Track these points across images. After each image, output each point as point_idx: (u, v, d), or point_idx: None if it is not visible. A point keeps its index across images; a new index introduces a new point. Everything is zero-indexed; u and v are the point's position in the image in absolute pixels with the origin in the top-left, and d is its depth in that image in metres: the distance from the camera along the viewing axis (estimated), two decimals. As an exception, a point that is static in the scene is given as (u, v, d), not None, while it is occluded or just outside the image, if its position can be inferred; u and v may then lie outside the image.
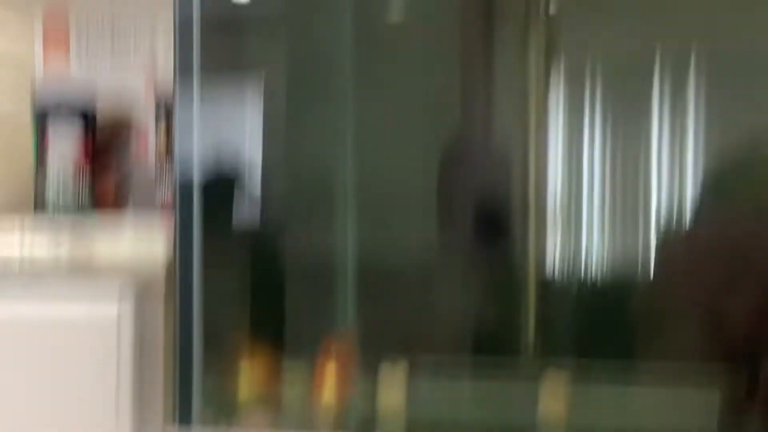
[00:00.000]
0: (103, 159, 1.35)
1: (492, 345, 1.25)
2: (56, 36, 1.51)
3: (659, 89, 1.20)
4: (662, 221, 1.22)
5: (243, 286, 1.17)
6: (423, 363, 1.21)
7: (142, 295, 1.07)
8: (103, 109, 1.38)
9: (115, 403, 1.03)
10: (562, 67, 1.22)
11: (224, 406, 0.98)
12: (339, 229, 1.25)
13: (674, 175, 1.20)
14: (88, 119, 1.35)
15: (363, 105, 1.22)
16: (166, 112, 1.31)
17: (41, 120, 1.34)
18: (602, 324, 1.20)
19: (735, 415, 1.04)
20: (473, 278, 1.28)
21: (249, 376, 1.04)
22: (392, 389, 1.19)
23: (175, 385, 0.94)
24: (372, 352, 1.13)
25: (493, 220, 1.26)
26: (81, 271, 1.08)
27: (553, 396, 1.16)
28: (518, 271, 1.24)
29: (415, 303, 1.26)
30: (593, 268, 1.24)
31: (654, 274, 1.23)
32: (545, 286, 1.23)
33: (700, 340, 1.19)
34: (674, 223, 1.23)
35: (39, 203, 1.31)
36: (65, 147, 1.33)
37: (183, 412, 0.92)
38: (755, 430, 1.02)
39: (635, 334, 1.20)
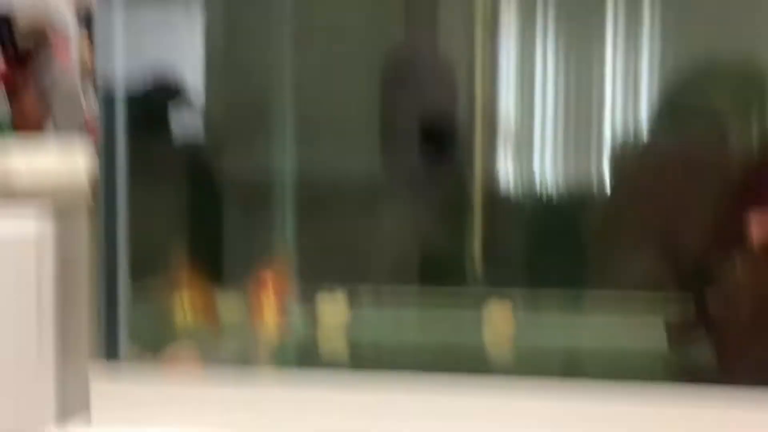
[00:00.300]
0: (23, 72, 1.27)
1: (436, 272, 1.22)
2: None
3: (613, 3, 1.15)
4: (616, 141, 1.18)
5: (174, 208, 1.11)
6: (362, 291, 1.17)
7: (64, 215, 1.00)
8: (22, 20, 1.29)
9: (37, 336, 0.96)
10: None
11: (153, 340, 0.92)
12: (277, 148, 1.19)
13: (628, 92, 1.16)
14: (6, 30, 1.26)
15: (304, 16, 1.16)
16: (88, 21, 1.23)
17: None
18: (551, 249, 1.17)
19: (681, 342, 1.01)
20: (417, 201, 1.23)
21: (180, 306, 0.99)
22: (333, 317, 1.15)
23: (100, 317, 0.88)
24: (310, 280, 1.08)
25: (438, 139, 1.21)
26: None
27: (499, 322, 1.13)
28: (465, 193, 1.19)
29: (355, 227, 1.21)
30: (543, 190, 1.20)
31: (605, 197, 1.20)
32: (493, 209, 1.19)
33: (650, 266, 1.17)
34: (628, 142, 1.20)
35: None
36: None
37: (109, 347, 0.87)
38: (701, 357, 1.00)
39: (584, 261, 1.17)
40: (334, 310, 1.14)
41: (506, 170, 1.21)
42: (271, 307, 0.98)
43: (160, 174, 1.07)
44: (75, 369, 0.99)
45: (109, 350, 0.86)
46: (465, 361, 1.01)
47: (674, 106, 1.17)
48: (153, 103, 1.13)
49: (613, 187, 1.20)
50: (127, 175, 0.94)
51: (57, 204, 0.99)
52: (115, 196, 0.92)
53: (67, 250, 0.99)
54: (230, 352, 0.99)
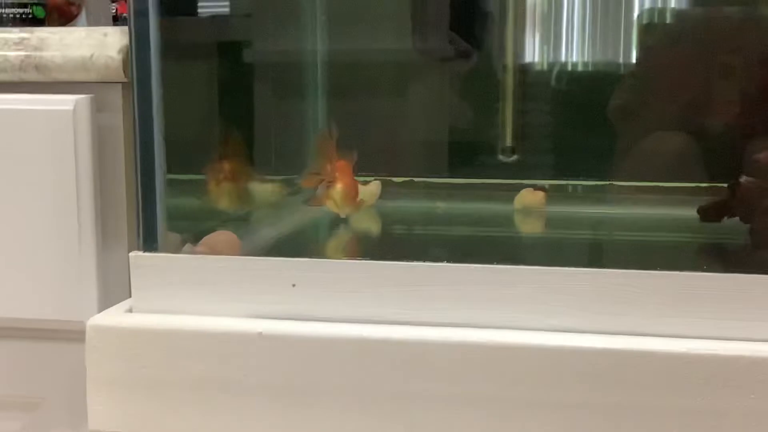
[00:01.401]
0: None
1: (467, 163, 1.22)
2: None
3: None
4: (645, 22, 1.17)
5: (210, 94, 1.11)
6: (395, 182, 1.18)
7: (99, 91, 1.00)
8: None
9: (77, 221, 0.97)
10: None
11: (193, 229, 0.93)
12: (308, 34, 1.19)
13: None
14: None
15: None
16: None
17: None
18: (583, 140, 1.17)
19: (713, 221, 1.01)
20: (447, 87, 1.23)
21: (219, 194, 0.99)
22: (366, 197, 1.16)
23: (137, 206, 0.89)
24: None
25: (469, 22, 1.20)
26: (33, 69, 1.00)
27: (530, 213, 1.14)
28: (496, 81, 1.19)
29: (387, 115, 1.21)
30: (575, 79, 1.19)
31: (637, 84, 1.19)
32: (524, 98, 1.19)
33: (682, 155, 1.17)
34: (657, 24, 1.18)
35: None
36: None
37: (148, 237, 0.88)
38: (733, 246, 1.01)
39: (617, 151, 1.17)
40: (367, 192, 1.15)
41: (537, 58, 1.20)
42: (339, 196, 0.98)
43: (191, 58, 1.06)
44: (115, 258, 1.00)
45: (148, 241, 0.87)
46: (496, 251, 1.02)
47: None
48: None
49: (642, 72, 1.19)
50: (159, 50, 0.90)
51: (91, 78, 0.98)
52: (149, 76, 0.90)
53: (104, 129, 0.99)
54: (270, 239, 1.00)
